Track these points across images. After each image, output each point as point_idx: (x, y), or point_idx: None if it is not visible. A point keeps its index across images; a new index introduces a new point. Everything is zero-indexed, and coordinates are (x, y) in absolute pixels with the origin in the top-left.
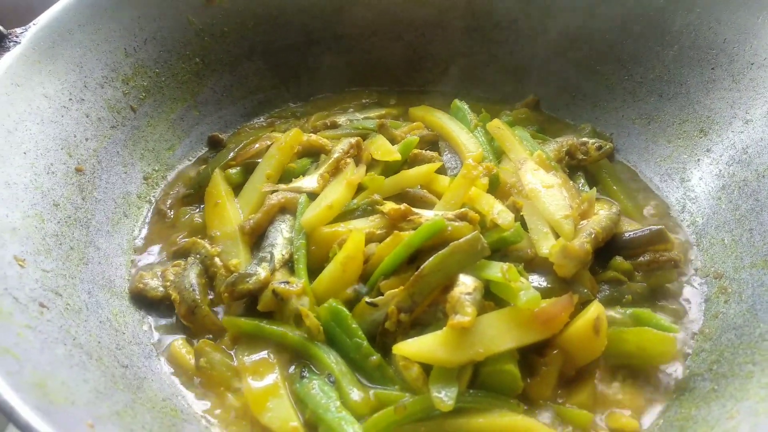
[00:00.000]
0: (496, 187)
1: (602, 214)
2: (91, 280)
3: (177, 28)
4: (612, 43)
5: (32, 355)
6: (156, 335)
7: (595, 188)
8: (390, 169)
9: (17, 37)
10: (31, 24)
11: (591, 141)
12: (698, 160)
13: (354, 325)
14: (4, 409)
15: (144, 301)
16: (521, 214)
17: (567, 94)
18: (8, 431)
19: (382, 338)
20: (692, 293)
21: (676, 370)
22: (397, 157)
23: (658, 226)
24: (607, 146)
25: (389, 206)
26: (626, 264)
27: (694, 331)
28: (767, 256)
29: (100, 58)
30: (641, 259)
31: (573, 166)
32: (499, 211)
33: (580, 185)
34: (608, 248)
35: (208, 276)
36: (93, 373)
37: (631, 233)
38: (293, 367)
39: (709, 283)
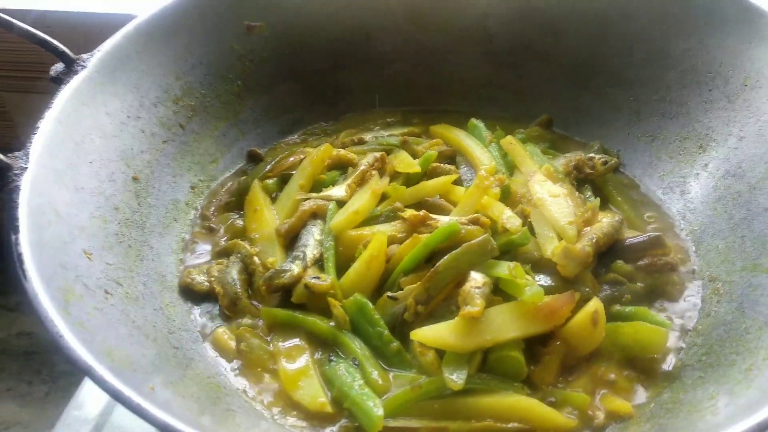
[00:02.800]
0: (507, 197)
1: (605, 221)
2: (146, 274)
3: (221, 54)
4: (619, 67)
5: (101, 330)
6: (202, 323)
7: (598, 198)
8: (411, 180)
9: (84, 62)
10: (95, 50)
11: (597, 156)
12: (697, 174)
13: (376, 316)
14: (83, 367)
15: (191, 294)
16: (529, 220)
17: (577, 114)
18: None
19: (401, 328)
20: (688, 295)
21: (669, 362)
22: (418, 169)
23: (656, 233)
24: (613, 161)
25: (410, 213)
26: (626, 267)
27: (688, 328)
28: (756, 260)
29: (154, 81)
30: (641, 262)
31: (580, 179)
32: (508, 217)
33: (587, 196)
34: (610, 253)
35: (248, 273)
36: (149, 351)
37: (632, 239)
38: (322, 352)
39: (704, 285)
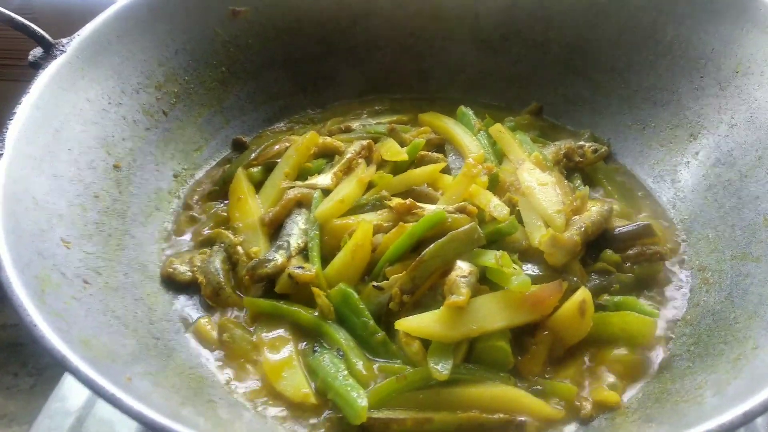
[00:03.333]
0: (496, 185)
1: (594, 210)
2: (127, 263)
3: (205, 40)
4: (609, 54)
5: (78, 320)
6: (184, 313)
7: (587, 187)
8: (398, 169)
9: (63, 46)
10: (75, 35)
11: (587, 144)
12: (688, 162)
13: (361, 306)
14: (57, 357)
15: (174, 283)
16: (517, 208)
17: (567, 102)
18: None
19: (387, 318)
20: (678, 284)
21: (658, 352)
22: (405, 157)
23: (645, 222)
24: (603, 149)
25: (396, 201)
26: (615, 256)
27: (677, 318)
28: (746, 249)
29: (136, 67)
30: (630, 252)
31: (570, 168)
32: (495, 205)
33: (577, 185)
34: (599, 242)
35: (231, 262)
36: (129, 341)
37: (621, 228)
38: (306, 343)
39: (694, 274)
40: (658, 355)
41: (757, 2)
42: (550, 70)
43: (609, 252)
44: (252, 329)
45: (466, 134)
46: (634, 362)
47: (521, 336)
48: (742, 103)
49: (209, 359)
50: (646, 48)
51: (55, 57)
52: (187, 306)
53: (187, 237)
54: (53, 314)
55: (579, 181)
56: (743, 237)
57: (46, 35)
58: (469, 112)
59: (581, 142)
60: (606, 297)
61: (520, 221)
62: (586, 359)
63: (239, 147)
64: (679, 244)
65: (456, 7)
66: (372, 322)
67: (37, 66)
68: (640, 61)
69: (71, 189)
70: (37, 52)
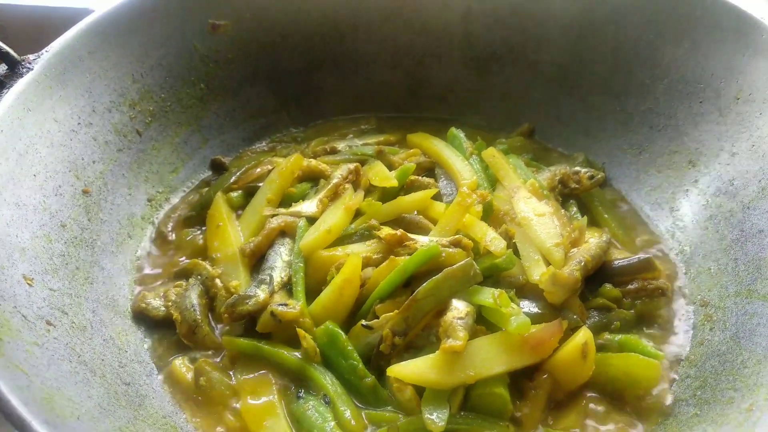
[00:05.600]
0: (489, 214)
1: (592, 242)
2: (96, 299)
3: (182, 55)
4: (604, 75)
5: (40, 371)
6: (157, 354)
7: (585, 217)
8: (387, 194)
9: (30, 63)
10: (43, 51)
11: (583, 170)
12: (687, 190)
13: (349, 347)
14: (17, 423)
15: (146, 320)
16: (513, 241)
17: (561, 124)
18: None
19: (377, 360)
20: (680, 320)
21: (662, 395)
22: (394, 183)
23: (646, 255)
24: (599, 176)
25: (386, 231)
26: (615, 291)
27: (680, 357)
28: (750, 285)
29: (109, 84)
30: (630, 286)
31: (565, 194)
32: (491, 239)
33: (572, 213)
34: (598, 276)
35: (209, 297)
36: (97, 390)
37: (620, 261)
38: (290, 387)
39: (696, 310)
40: (661, 398)
41: (759, 27)
42: (543, 91)
43: (609, 287)
44: (231, 372)
45: (458, 158)
46: (637, 408)
47: (519, 379)
48: (743, 131)
49: (184, 407)
50: (642, 70)
51: (21, 75)
52: (160, 345)
53: (161, 268)
54: (12, 368)
55: (575, 209)
56: (747, 272)
57: (11, 51)
58: (461, 134)
59: (576, 168)
60: (607, 336)
61: (517, 254)
62: (588, 404)
63: (218, 168)
64: (678, 277)
65: (445, 23)
66: (361, 365)
67: (1, 85)
68: (636, 84)
69: (35, 219)
70: (1, 69)
